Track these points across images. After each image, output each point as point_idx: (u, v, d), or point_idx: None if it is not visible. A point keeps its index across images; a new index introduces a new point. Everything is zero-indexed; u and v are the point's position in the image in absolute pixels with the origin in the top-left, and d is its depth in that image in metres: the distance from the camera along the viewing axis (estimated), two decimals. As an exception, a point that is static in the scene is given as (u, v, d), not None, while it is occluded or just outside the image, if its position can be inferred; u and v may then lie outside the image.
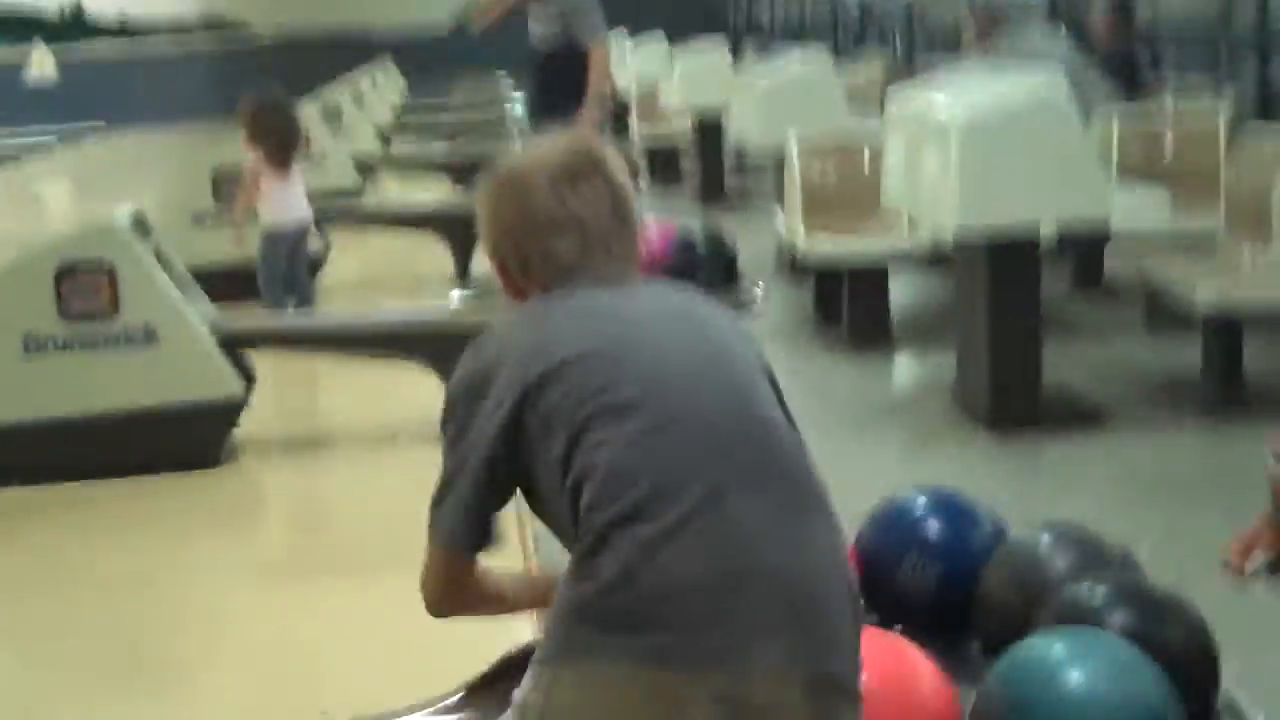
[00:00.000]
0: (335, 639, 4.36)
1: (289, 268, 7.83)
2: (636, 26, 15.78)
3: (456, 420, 2.20)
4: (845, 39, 16.71)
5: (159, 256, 6.15)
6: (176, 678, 4.34)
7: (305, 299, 7.93)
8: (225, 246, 8.09)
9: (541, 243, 2.26)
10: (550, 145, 2.33)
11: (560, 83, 8.10)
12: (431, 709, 2.64)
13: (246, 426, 6.12)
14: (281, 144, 7.84)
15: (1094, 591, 2.38)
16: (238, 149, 8.20)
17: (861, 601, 2.13)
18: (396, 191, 12.90)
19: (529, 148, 2.41)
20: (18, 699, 4.14)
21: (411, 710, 2.66)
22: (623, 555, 1.98)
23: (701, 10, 21.79)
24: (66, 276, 5.93)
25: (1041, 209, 5.60)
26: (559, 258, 2.25)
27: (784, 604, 1.96)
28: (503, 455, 2.14)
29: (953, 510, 2.72)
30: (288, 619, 4.56)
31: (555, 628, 2.05)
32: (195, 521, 5.60)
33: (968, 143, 5.44)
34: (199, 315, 6.14)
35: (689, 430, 2.05)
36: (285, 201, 7.83)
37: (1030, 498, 4.74)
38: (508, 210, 2.30)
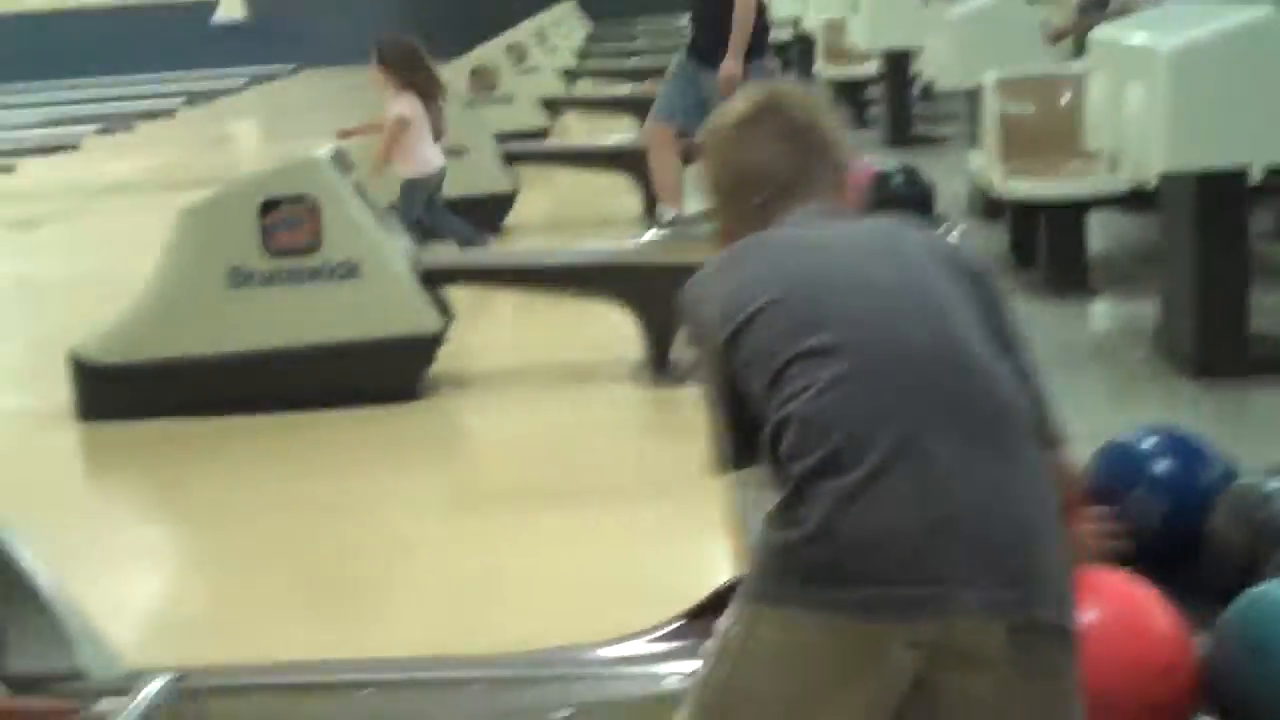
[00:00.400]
0: (523, 571, 4.42)
1: (429, 214, 7.89)
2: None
3: (699, 363, 2.24)
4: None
5: (360, 192, 6.24)
6: (365, 604, 4.42)
7: (467, 238, 7.97)
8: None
9: (738, 192, 2.32)
10: (741, 97, 2.41)
11: (711, 24, 8.04)
12: (650, 635, 2.66)
13: (444, 361, 6.21)
14: (428, 91, 7.90)
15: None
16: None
17: (1073, 536, 2.08)
18: (583, 131, 12.95)
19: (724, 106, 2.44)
20: (212, 620, 4.25)
21: (633, 636, 2.68)
22: (821, 507, 1.98)
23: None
24: (270, 212, 6.05)
25: (1254, 146, 5.43)
26: (754, 203, 2.30)
27: (985, 548, 1.94)
28: (731, 400, 2.15)
29: (1182, 448, 2.66)
30: (476, 550, 4.63)
31: (760, 569, 2.06)
32: (391, 453, 5.70)
33: (1178, 73, 5.28)
34: (399, 251, 6.23)
35: (884, 373, 2.04)
36: (424, 152, 7.89)
37: (1240, 445, 4.62)
38: (708, 169, 2.38)
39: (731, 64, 7.82)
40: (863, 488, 1.97)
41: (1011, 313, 2.19)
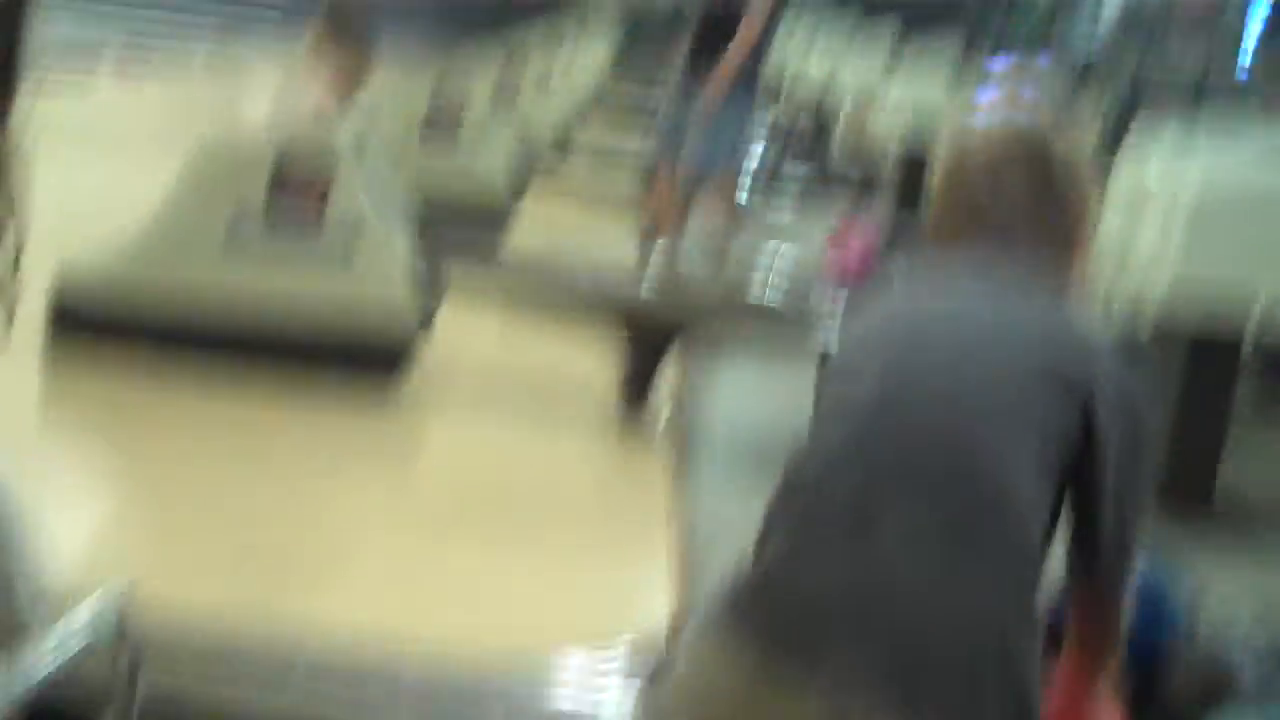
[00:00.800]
0: (467, 587, 4.38)
1: None
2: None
3: None
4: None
5: (373, 179, 6.21)
6: (308, 589, 4.38)
7: None
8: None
9: (953, 208, 2.24)
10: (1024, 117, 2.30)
11: (708, 47, 8.04)
12: (590, 656, 2.65)
13: (420, 367, 6.16)
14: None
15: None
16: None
17: (1026, 671, 1.93)
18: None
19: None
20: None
21: (572, 654, 2.66)
22: (768, 553, 1.96)
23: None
24: (279, 185, 6.01)
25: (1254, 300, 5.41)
26: (960, 222, 2.21)
27: (896, 659, 1.85)
28: None
29: (1147, 596, 2.63)
30: (422, 561, 4.59)
31: (712, 597, 2.02)
32: (350, 457, 5.60)
33: (1196, 221, 5.27)
34: (399, 245, 6.19)
35: (885, 449, 1.97)
36: None
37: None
38: (941, 163, 2.28)
39: (720, 83, 7.86)
40: (809, 548, 1.93)
41: (1109, 451, 2.01)
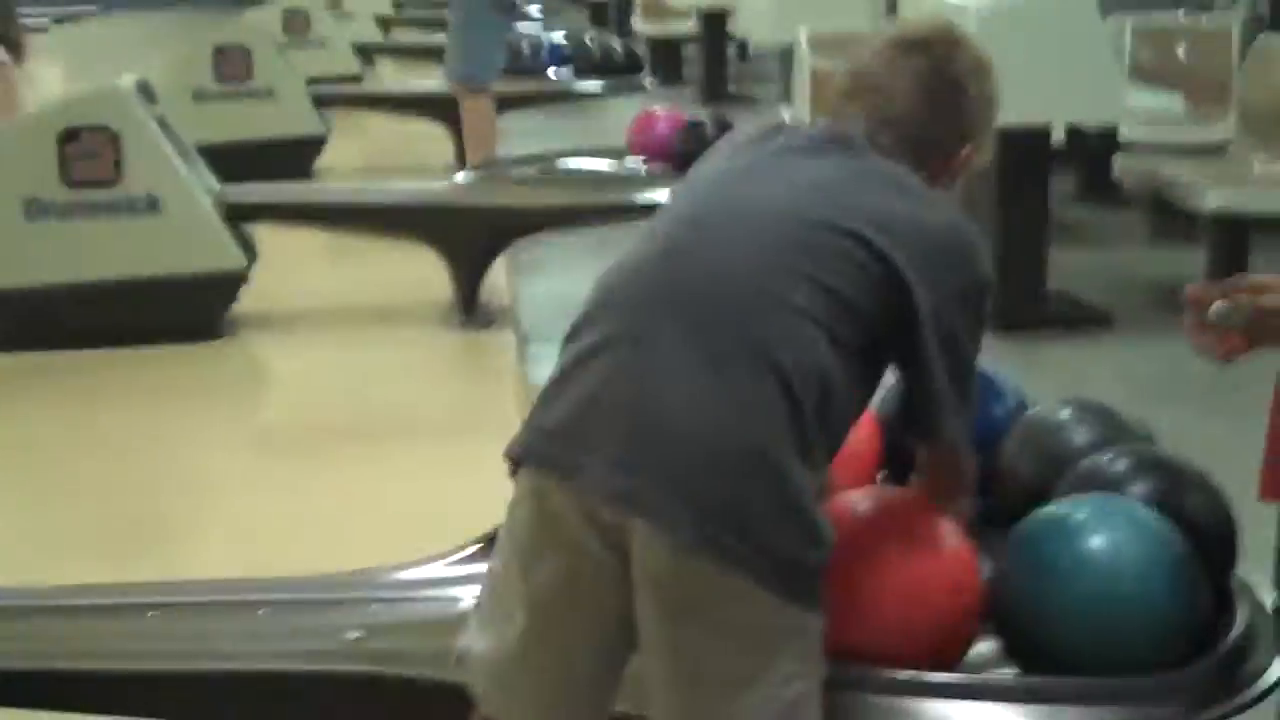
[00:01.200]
0: (324, 508, 4.38)
1: None
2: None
3: None
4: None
5: (163, 126, 6.10)
6: (163, 542, 4.36)
7: None
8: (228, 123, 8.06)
9: (849, 100, 2.28)
10: (922, 22, 2.42)
11: None
12: (444, 560, 2.64)
13: (248, 301, 6.10)
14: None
15: (1115, 461, 2.37)
16: (238, 29, 8.10)
17: (792, 473, 1.96)
18: (397, 78, 12.81)
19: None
20: (12, 558, 4.14)
21: (429, 560, 2.65)
22: (558, 368, 2.08)
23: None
24: (70, 141, 5.88)
25: (1054, 107, 5.55)
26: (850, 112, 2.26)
27: (662, 454, 1.94)
28: None
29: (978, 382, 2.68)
30: (276, 488, 4.57)
31: None
32: (192, 393, 5.59)
33: (985, 32, 5.37)
34: (203, 186, 6.10)
35: (668, 274, 2.07)
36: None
37: (1033, 394, 4.74)
38: (847, 65, 2.33)
39: None
40: (585, 359, 2.03)
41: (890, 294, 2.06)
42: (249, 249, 6.08)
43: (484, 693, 2.16)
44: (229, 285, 6.01)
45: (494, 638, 2.14)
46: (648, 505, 1.94)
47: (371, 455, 4.77)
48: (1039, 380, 5.33)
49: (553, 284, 6.57)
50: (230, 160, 6.98)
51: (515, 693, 2.14)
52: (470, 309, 6.09)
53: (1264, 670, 2.16)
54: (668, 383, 1.97)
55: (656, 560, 1.95)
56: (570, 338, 2.10)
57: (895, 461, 2.66)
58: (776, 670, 1.97)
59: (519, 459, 2.07)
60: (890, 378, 2.23)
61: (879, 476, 2.68)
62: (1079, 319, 5.96)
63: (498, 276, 6.39)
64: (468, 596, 2.47)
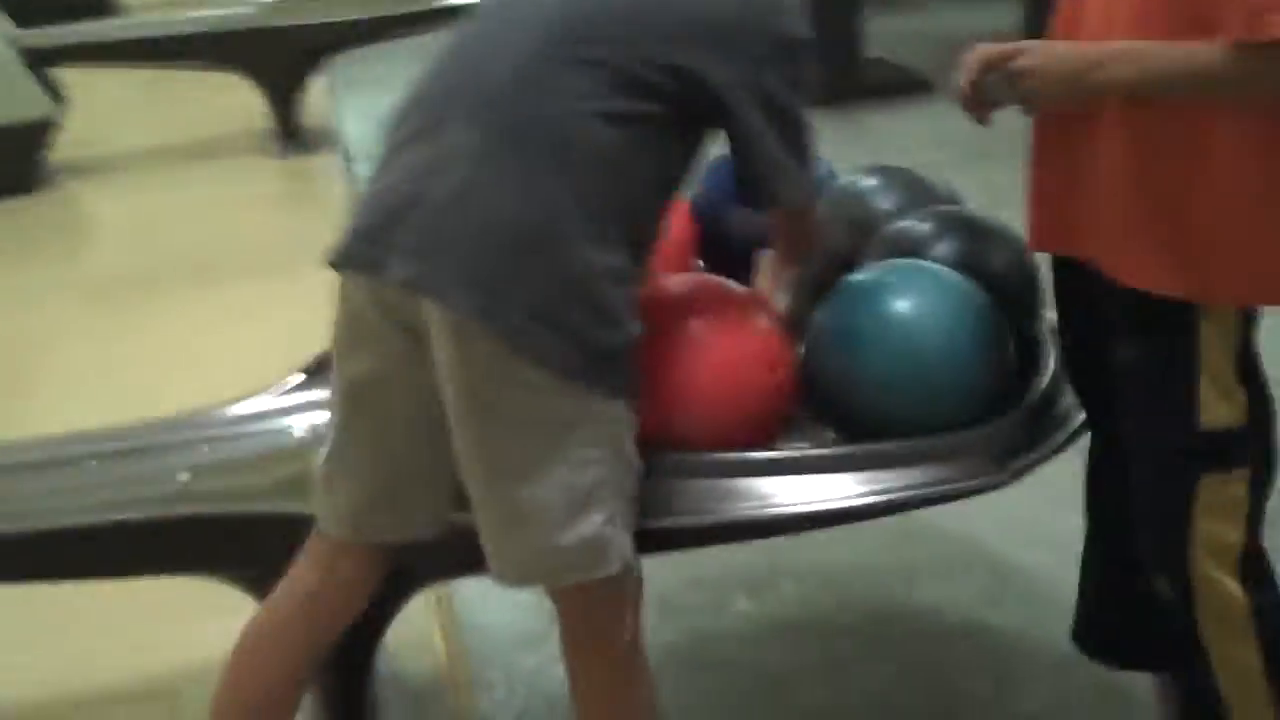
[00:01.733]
0: (158, 352, 4.33)
1: None
2: None
3: None
4: None
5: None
6: (7, 400, 4.28)
7: None
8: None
9: None
10: None
11: None
12: (269, 392, 2.62)
13: (62, 149, 5.95)
14: None
15: (919, 223, 2.39)
16: None
17: (578, 250, 1.97)
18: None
19: None
20: None
21: (250, 395, 2.62)
22: (373, 169, 2.10)
23: None
24: None
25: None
26: None
27: (430, 230, 1.97)
28: None
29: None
30: (108, 336, 4.51)
31: None
32: (14, 246, 5.46)
33: None
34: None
35: (462, 70, 2.08)
36: None
37: (850, 163, 4.78)
38: None
39: None
40: (392, 153, 2.07)
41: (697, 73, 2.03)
42: (56, 94, 5.90)
43: (315, 505, 2.17)
44: (38, 134, 5.85)
45: (324, 447, 2.16)
46: (434, 286, 1.95)
47: (202, 297, 4.71)
48: (859, 150, 5.39)
49: (376, 101, 6.45)
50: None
51: (338, 489, 2.15)
52: (291, 134, 5.98)
53: (1071, 413, 2.21)
54: (454, 170, 1.98)
55: (447, 342, 1.96)
56: (385, 140, 2.12)
57: (711, 249, 2.67)
58: (569, 455, 1.98)
59: (336, 265, 2.08)
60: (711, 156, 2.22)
61: (694, 264, 2.68)
62: (899, 85, 5.98)
63: (319, 100, 6.27)
64: (298, 426, 2.45)
